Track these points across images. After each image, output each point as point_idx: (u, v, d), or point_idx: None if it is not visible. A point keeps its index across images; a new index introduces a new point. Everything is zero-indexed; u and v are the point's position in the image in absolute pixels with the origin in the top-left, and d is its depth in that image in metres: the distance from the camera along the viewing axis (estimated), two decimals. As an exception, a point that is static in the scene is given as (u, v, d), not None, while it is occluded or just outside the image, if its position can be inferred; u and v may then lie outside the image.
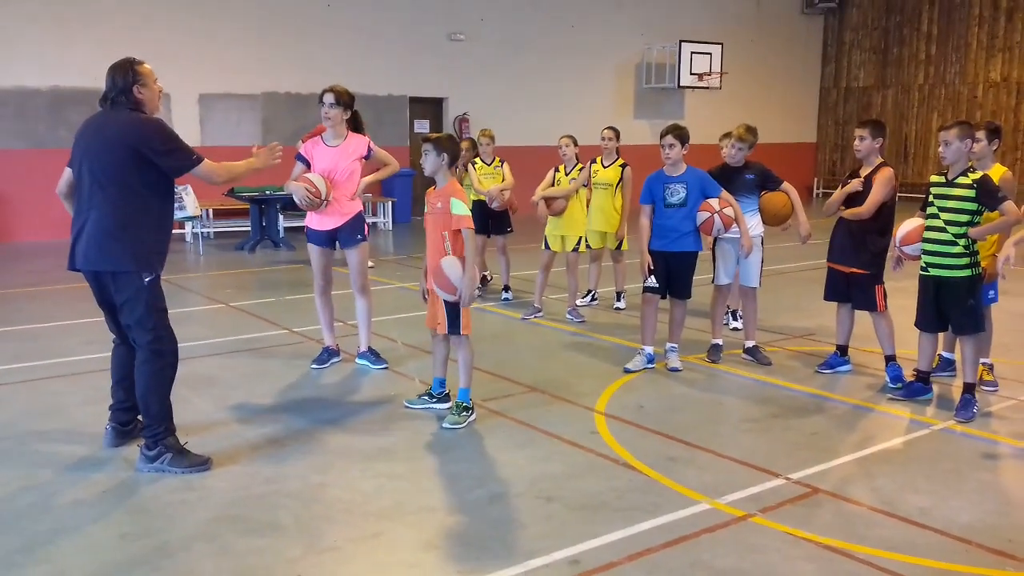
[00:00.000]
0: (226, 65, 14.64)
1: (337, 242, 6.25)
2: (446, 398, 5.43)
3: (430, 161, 5.12)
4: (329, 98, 6.02)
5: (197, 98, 14.49)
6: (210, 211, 14.21)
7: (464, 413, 5.16)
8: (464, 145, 8.98)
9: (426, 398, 5.48)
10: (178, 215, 12.25)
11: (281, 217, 13.76)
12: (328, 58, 15.31)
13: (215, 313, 8.49)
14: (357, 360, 6.47)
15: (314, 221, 6.19)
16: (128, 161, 4.28)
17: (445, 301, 5.10)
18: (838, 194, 6.03)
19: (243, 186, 13.54)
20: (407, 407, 5.45)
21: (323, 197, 5.93)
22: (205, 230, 13.89)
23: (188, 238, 13.75)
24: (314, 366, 6.38)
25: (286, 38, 15.16)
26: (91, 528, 3.85)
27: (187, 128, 14.31)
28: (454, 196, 5.08)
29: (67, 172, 4.54)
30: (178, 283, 9.99)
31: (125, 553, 3.62)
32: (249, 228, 13.45)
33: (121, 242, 4.32)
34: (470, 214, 5.09)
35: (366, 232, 6.35)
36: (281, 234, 13.53)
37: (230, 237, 14.08)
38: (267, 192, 13.13)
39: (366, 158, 6.23)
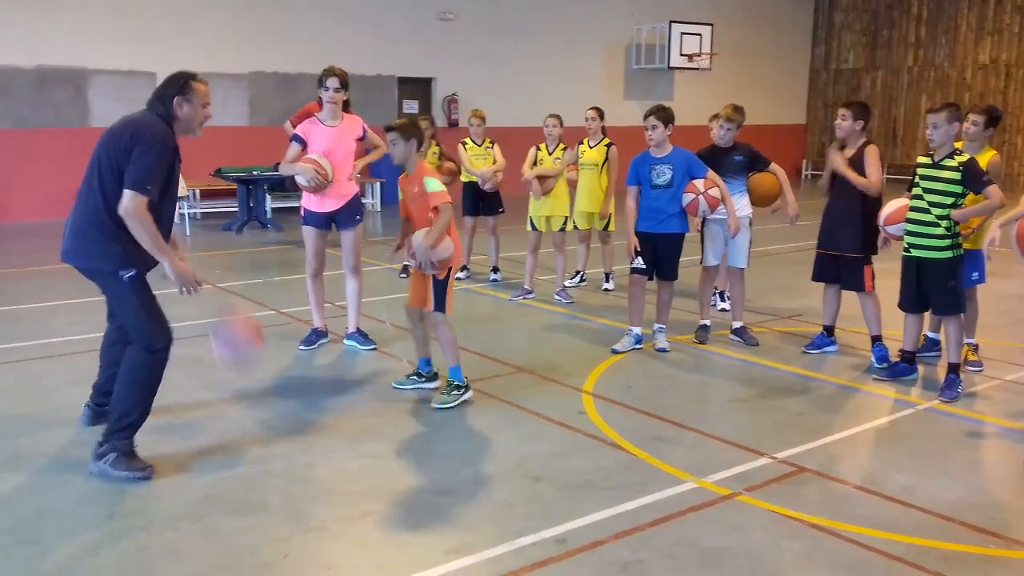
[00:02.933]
0: (212, 44, 14.50)
1: (334, 223, 6.24)
2: (435, 377, 5.43)
3: (400, 150, 5.08)
4: (334, 82, 6.02)
5: (183, 78, 14.35)
6: (197, 191, 14.12)
7: (455, 392, 5.13)
8: (423, 124, 9.01)
9: (415, 378, 5.46)
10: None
11: (269, 198, 13.69)
12: (316, 37, 15.19)
13: (202, 294, 8.42)
14: (345, 341, 6.47)
15: (313, 203, 6.17)
16: (118, 155, 4.04)
17: (433, 278, 5.07)
18: (828, 171, 6.05)
19: (230, 166, 13.48)
20: (396, 388, 5.44)
21: (330, 179, 5.95)
22: (192, 211, 13.81)
23: (175, 219, 13.67)
24: (302, 347, 6.37)
25: (273, 17, 15.03)
26: (76, 509, 3.85)
27: (173, 108, 14.19)
28: (426, 176, 5.07)
29: None
30: (165, 264, 9.91)
31: (111, 533, 3.62)
32: (236, 208, 13.39)
33: (93, 239, 4.12)
34: (444, 189, 5.06)
35: (363, 213, 6.38)
36: (269, 215, 13.47)
37: (217, 218, 14.00)
38: (255, 172, 13.06)
39: (361, 139, 6.25)
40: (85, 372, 5.74)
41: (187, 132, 4.26)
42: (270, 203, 13.75)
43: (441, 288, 5.11)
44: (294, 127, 8.28)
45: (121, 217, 4.00)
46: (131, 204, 3.96)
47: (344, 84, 6.07)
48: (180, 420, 4.81)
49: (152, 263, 4.21)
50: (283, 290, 8.53)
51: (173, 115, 4.16)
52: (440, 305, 5.12)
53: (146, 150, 4.00)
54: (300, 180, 5.98)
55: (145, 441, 4.55)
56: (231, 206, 13.94)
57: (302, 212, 6.33)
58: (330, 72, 6.05)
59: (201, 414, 5.00)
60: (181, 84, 4.18)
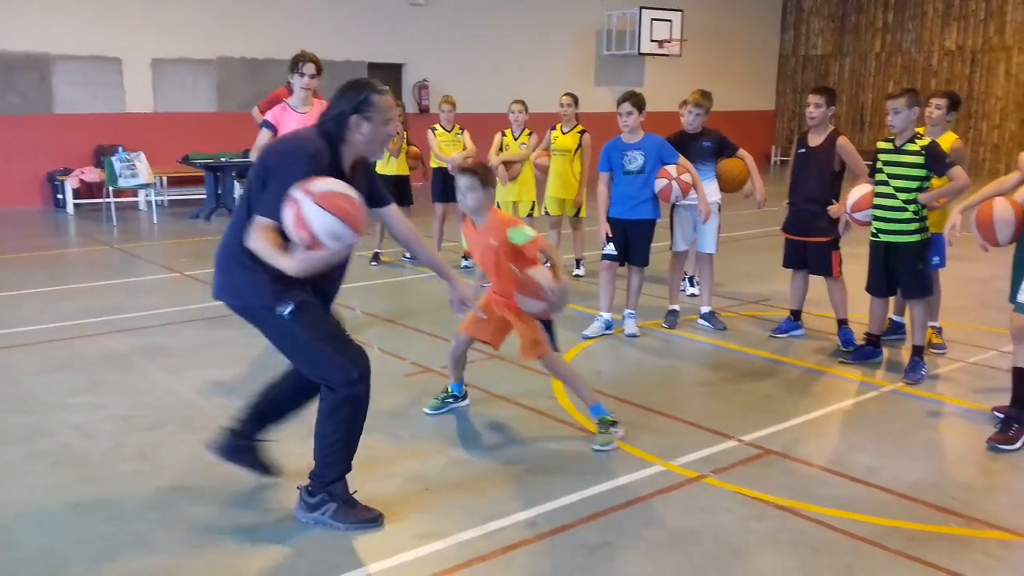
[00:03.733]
0: (179, 29, 14.31)
1: None
2: (465, 396, 4.95)
3: (477, 199, 4.36)
4: (311, 68, 5.99)
5: (149, 63, 14.17)
6: (164, 179, 13.97)
7: (612, 428, 4.45)
8: (396, 111, 8.95)
9: (450, 400, 4.90)
10: (131, 182, 12.07)
11: (237, 184, 13.56)
12: (284, 22, 15.03)
13: (170, 282, 8.39)
14: (315, 328, 6.43)
15: None
16: (260, 176, 3.42)
17: (540, 319, 4.49)
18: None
19: (198, 153, 13.34)
20: (429, 415, 4.85)
21: None
22: (159, 198, 13.67)
23: (142, 206, 13.52)
24: (271, 335, 6.33)
25: (241, 1, 14.85)
26: (43, 499, 3.81)
27: (139, 94, 14.03)
28: (509, 227, 4.40)
29: None
30: (131, 252, 9.85)
31: (78, 523, 3.60)
32: (204, 196, 13.26)
33: (238, 272, 3.48)
34: (532, 232, 4.40)
35: None
36: (237, 202, 13.34)
37: (185, 205, 13.85)
38: (223, 159, 12.94)
39: None
40: (53, 362, 5.69)
41: (367, 154, 3.63)
42: (239, 190, 13.63)
43: (550, 327, 4.56)
44: (262, 113, 8.19)
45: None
46: (252, 230, 3.31)
47: (319, 70, 6.05)
48: (146, 409, 4.77)
49: (319, 286, 3.54)
50: (252, 278, 8.47)
51: (345, 138, 3.48)
52: (555, 343, 4.59)
53: (277, 164, 3.36)
54: None
55: (110, 430, 4.55)
56: (199, 193, 13.80)
57: None
58: (306, 58, 6.00)
59: (168, 403, 4.97)
60: (359, 100, 3.47)
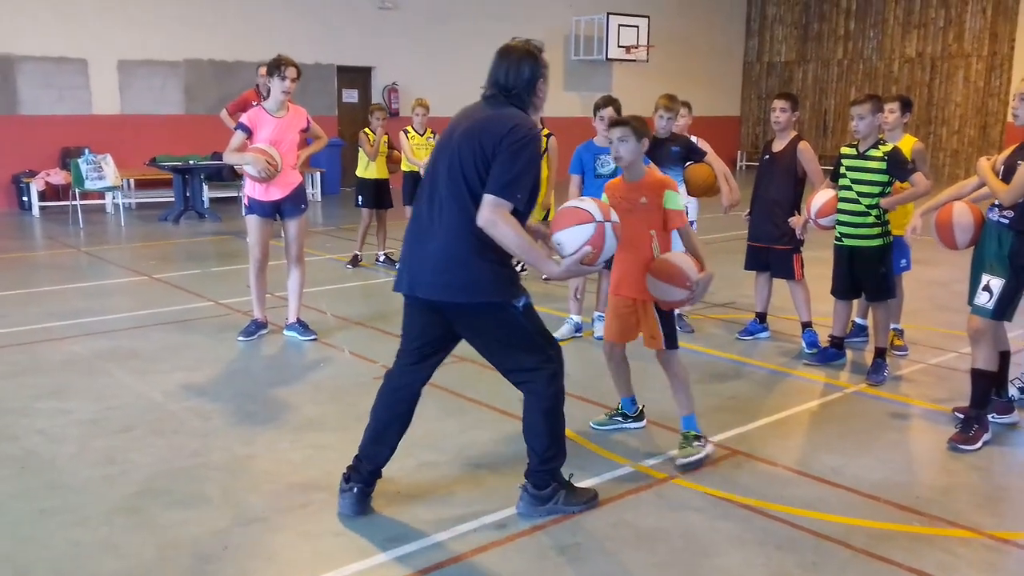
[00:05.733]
0: (146, 30, 14.18)
1: (278, 213, 6.20)
2: (641, 416, 4.75)
3: (630, 149, 4.08)
4: (293, 72, 6.01)
5: (116, 65, 14.03)
6: (131, 181, 13.83)
7: (696, 443, 4.28)
8: (380, 115, 8.91)
9: (618, 418, 4.72)
10: (97, 185, 11.94)
11: (206, 187, 13.46)
12: (253, 25, 14.94)
13: (138, 285, 8.31)
14: (285, 332, 6.43)
15: (259, 192, 6.10)
16: (486, 159, 3.36)
17: (659, 312, 4.29)
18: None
19: (166, 155, 13.22)
20: (595, 428, 4.70)
21: (279, 168, 5.93)
22: (127, 200, 13.52)
23: (109, 209, 13.37)
24: (241, 338, 6.31)
25: (209, 3, 14.74)
26: (9, 504, 3.78)
27: (106, 96, 13.88)
28: (667, 189, 4.14)
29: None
30: (98, 255, 9.74)
31: (44, 529, 3.57)
32: (173, 199, 13.14)
33: (477, 268, 3.41)
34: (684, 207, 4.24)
35: (307, 202, 6.37)
36: (206, 205, 13.25)
37: (153, 208, 13.72)
38: (191, 162, 12.84)
39: (305, 130, 6.24)
40: (17, 366, 5.63)
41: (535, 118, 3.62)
42: (207, 193, 13.53)
43: (670, 321, 4.34)
44: (231, 115, 8.15)
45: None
46: (493, 213, 3.28)
47: (299, 74, 6.09)
48: (114, 413, 4.74)
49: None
50: (221, 281, 8.43)
51: (534, 103, 3.51)
52: (672, 341, 4.33)
53: (518, 150, 3.32)
54: (250, 170, 5.93)
55: (77, 435, 4.51)
56: (167, 196, 13.67)
57: (246, 201, 6.26)
58: (288, 62, 6.00)
59: (136, 407, 4.93)
60: (539, 62, 3.48)
